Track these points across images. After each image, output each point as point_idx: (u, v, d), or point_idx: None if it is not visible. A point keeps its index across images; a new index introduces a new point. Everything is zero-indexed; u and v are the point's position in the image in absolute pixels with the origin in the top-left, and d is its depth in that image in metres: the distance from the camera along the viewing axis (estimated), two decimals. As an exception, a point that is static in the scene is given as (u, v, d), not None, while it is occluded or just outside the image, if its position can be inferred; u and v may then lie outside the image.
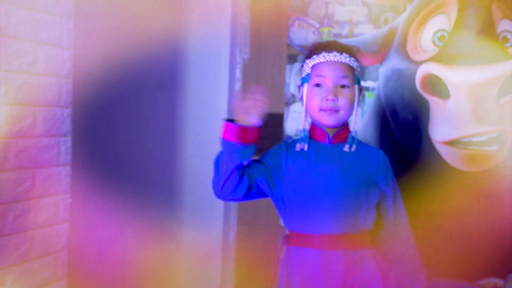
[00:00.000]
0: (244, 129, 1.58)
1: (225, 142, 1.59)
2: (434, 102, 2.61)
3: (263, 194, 1.72)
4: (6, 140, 1.92)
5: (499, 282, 2.60)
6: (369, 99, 3.11)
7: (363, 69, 2.99)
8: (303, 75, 1.73)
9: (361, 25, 2.96)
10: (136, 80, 2.83)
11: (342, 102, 1.67)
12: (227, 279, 2.85)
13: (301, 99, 1.73)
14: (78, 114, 2.37)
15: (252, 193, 1.68)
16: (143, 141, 2.87)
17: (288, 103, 2.94)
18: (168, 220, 2.87)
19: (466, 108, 2.57)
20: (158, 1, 2.78)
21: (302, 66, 1.76)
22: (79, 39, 2.34)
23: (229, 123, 1.59)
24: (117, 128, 2.87)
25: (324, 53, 1.69)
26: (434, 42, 2.65)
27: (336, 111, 1.67)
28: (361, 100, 3.13)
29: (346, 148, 1.70)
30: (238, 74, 2.80)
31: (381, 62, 2.83)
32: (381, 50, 2.83)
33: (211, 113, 2.93)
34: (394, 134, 2.77)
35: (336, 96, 1.66)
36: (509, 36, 2.58)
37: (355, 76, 1.71)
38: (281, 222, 1.83)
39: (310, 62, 1.71)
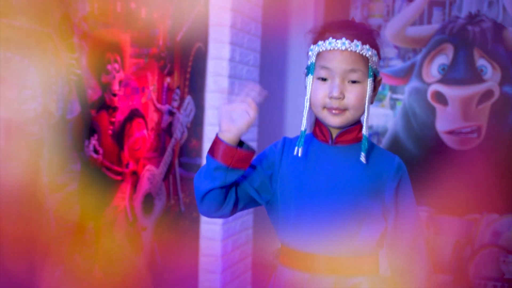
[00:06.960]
0: (232, 150, 1.17)
1: (208, 158, 1.20)
2: (439, 108, 3.03)
3: (256, 203, 1.32)
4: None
5: (478, 216, 2.92)
6: (399, 105, 3.19)
7: (393, 87, 3.09)
8: (308, 63, 1.26)
9: (393, 60, 3.07)
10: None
11: (350, 100, 1.22)
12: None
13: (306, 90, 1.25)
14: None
15: (242, 206, 1.29)
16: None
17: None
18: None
19: (458, 111, 2.97)
20: (273, 35, 3.29)
21: (308, 52, 1.27)
22: (262, 63, 2.93)
23: (220, 139, 1.18)
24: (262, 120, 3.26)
25: (331, 39, 1.21)
26: (438, 71, 3.00)
27: (343, 110, 1.23)
28: (384, 96, 3.14)
29: (362, 157, 1.21)
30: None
31: (406, 83, 3.12)
32: (406, 76, 3.10)
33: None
34: (414, 127, 3.08)
35: (343, 93, 1.21)
36: (483, 68, 2.92)
37: (370, 67, 1.21)
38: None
39: (315, 49, 1.24)
